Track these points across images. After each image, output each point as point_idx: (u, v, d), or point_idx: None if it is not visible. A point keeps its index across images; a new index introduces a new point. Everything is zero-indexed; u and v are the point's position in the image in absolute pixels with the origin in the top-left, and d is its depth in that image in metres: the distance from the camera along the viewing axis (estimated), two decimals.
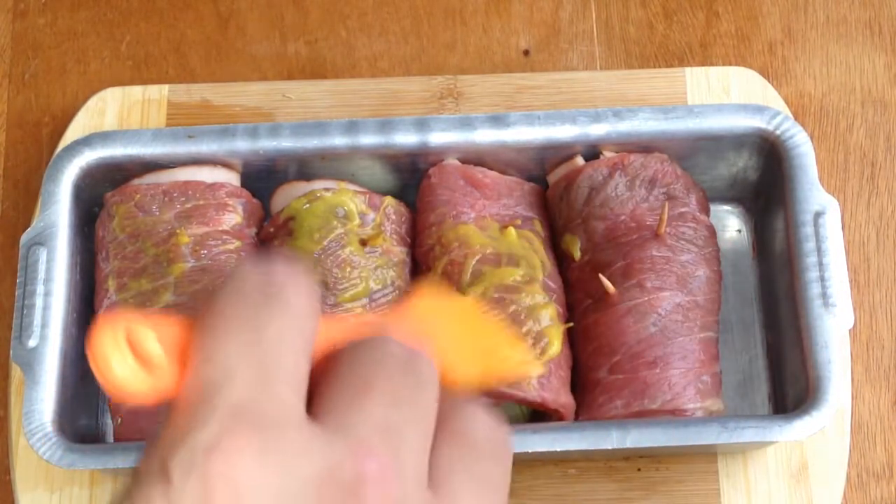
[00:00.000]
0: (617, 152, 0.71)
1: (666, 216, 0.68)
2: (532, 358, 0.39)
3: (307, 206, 0.70)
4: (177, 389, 0.25)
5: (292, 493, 0.23)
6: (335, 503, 0.23)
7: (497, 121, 0.71)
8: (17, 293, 0.67)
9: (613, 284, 0.68)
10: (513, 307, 0.67)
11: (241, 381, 0.24)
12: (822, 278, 0.66)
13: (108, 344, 0.24)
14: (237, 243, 0.70)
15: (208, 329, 0.25)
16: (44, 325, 0.66)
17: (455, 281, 0.68)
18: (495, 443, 0.27)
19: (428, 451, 0.26)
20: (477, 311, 0.35)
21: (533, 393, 0.65)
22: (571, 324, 0.69)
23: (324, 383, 0.25)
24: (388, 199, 0.72)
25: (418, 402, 0.26)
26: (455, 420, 0.27)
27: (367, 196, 0.71)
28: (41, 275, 0.67)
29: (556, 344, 0.67)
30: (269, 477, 0.23)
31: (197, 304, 0.24)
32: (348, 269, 0.69)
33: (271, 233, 0.71)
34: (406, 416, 0.25)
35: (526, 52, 0.84)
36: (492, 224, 0.71)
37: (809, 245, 0.67)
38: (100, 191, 0.71)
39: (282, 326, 0.25)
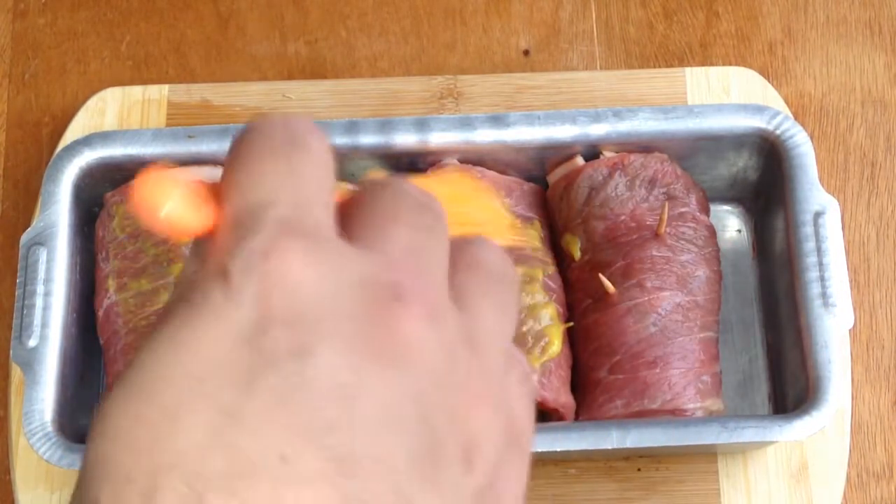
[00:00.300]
0: (617, 152, 0.71)
1: (666, 216, 0.68)
2: (509, 222, 0.40)
3: None
4: (217, 217, 0.27)
5: (342, 292, 0.25)
6: (379, 302, 0.25)
7: (497, 121, 0.71)
8: (17, 293, 0.67)
9: (613, 284, 0.68)
10: None
11: (283, 202, 0.26)
12: (822, 278, 0.66)
13: (150, 187, 0.27)
14: None
15: (243, 162, 0.27)
16: (44, 325, 0.66)
17: None
18: (505, 269, 0.29)
19: (447, 275, 0.28)
20: (461, 181, 0.38)
21: None
22: (571, 323, 0.69)
23: (348, 216, 0.28)
24: None
25: (437, 231, 0.28)
26: (468, 252, 0.29)
27: None
28: (41, 275, 0.67)
29: (556, 343, 0.67)
30: (319, 277, 0.24)
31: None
32: None
33: None
34: (429, 242, 0.27)
35: (526, 52, 0.84)
36: None
37: (809, 245, 0.67)
38: (100, 191, 0.71)
39: (310, 162, 0.27)
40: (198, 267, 0.26)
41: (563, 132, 0.70)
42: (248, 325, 0.24)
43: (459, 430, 0.25)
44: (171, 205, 0.27)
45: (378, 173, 0.31)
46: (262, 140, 0.27)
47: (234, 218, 0.26)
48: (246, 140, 0.27)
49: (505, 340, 0.28)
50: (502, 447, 0.26)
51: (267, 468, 0.22)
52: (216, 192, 0.27)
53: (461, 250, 0.29)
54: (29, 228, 0.69)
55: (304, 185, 0.27)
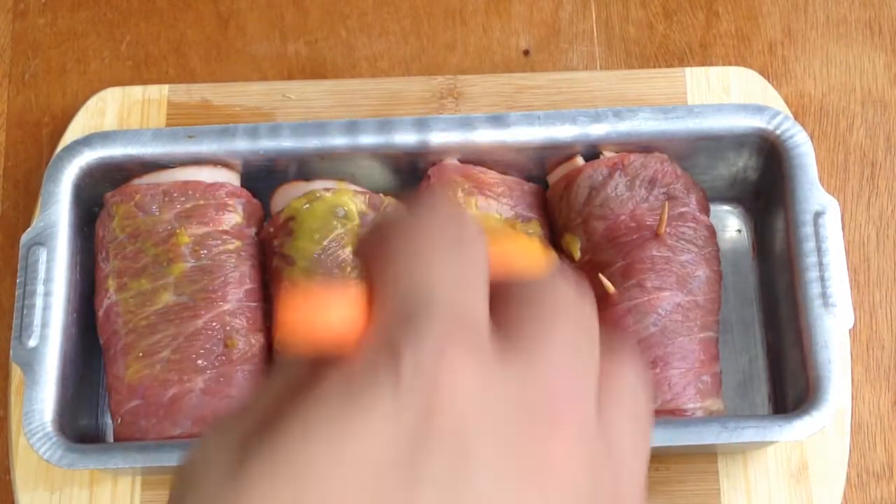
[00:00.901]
0: (617, 152, 0.71)
1: (666, 216, 0.68)
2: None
3: (307, 206, 0.70)
4: (375, 303, 0.26)
5: (502, 405, 0.24)
6: (536, 421, 0.24)
7: (497, 121, 0.71)
8: (17, 293, 0.67)
9: (613, 284, 0.68)
10: None
11: (451, 298, 0.25)
12: (822, 278, 0.66)
13: (304, 303, 0.25)
14: (237, 243, 0.70)
15: (410, 249, 0.26)
16: (44, 325, 0.66)
17: None
18: (647, 404, 0.29)
19: (597, 394, 0.27)
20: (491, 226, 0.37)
21: None
22: None
23: (505, 309, 0.27)
24: (389, 199, 0.72)
25: (592, 345, 0.27)
26: (617, 378, 0.28)
27: (367, 196, 0.71)
28: (41, 275, 0.67)
29: None
30: (483, 387, 0.24)
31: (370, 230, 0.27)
32: (348, 269, 0.69)
33: (271, 233, 0.71)
34: (585, 358, 0.27)
35: (526, 52, 0.84)
36: (492, 222, 0.71)
37: (809, 245, 0.67)
38: (100, 191, 0.71)
39: (475, 256, 0.26)
40: (366, 338, 0.25)
41: (563, 132, 0.70)
42: (414, 427, 0.23)
43: None
44: (329, 315, 0.25)
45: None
46: (431, 227, 0.26)
47: (400, 308, 0.25)
48: (411, 224, 0.26)
49: (641, 481, 0.28)
50: None
51: None
52: (368, 278, 0.26)
53: (611, 374, 0.28)
54: (29, 228, 0.69)
55: (471, 280, 0.26)
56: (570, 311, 0.27)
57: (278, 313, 0.26)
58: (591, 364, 0.27)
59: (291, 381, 0.26)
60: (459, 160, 0.72)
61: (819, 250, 0.67)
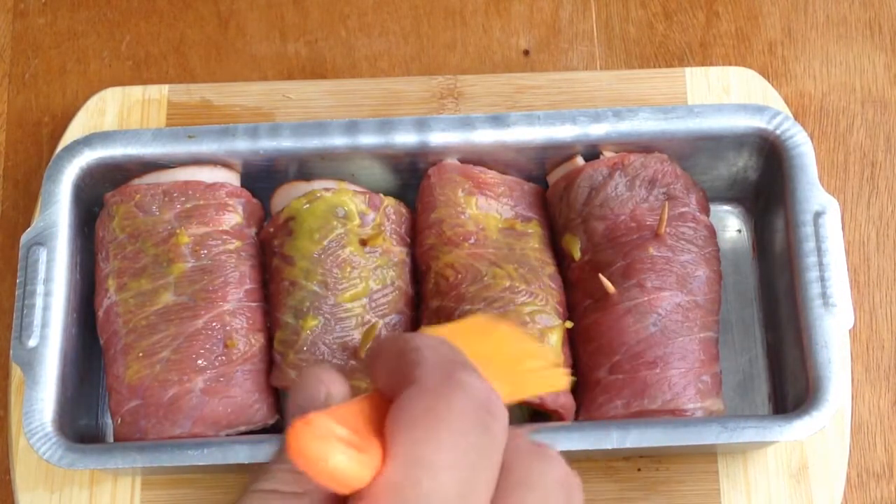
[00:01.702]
0: (617, 152, 0.71)
1: (666, 216, 0.68)
2: (558, 363, 0.39)
3: (307, 206, 0.70)
4: (378, 473, 0.26)
5: None
6: None
7: (497, 121, 0.71)
8: (17, 293, 0.67)
9: (613, 284, 0.68)
10: (513, 307, 0.67)
11: (456, 491, 0.26)
12: (822, 278, 0.66)
13: (316, 442, 0.25)
14: (237, 243, 0.70)
15: (431, 426, 0.26)
16: (44, 325, 0.66)
17: (454, 285, 0.69)
18: None
19: None
20: (495, 329, 0.36)
21: None
22: (571, 324, 0.69)
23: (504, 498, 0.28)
24: (388, 199, 0.72)
25: None
26: None
27: (367, 196, 0.71)
28: (41, 275, 0.67)
29: (556, 344, 0.67)
30: None
31: (388, 379, 0.28)
32: (348, 269, 0.69)
33: (271, 233, 0.71)
34: None
35: (526, 52, 0.84)
36: (492, 222, 0.71)
37: (809, 245, 0.67)
38: (100, 191, 0.71)
39: (491, 452, 0.27)
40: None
41: (563, 132, 0.70)
42: None
43: None
44: (336, 456, 0.25)
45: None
46: (461, 422, 0.27)
47: (396, 491, 0.25)
48: (442, 405, 0.27)
49: None
50: None
51: None
52: (381, 430, 0.26)
53: None
54: (29, 228, 0.69)
55: (481, 472, 0.26)
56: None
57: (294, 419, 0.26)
58: None
59: None
60: (459, 160, 0.72)
61: (819, 250, 0.67)
